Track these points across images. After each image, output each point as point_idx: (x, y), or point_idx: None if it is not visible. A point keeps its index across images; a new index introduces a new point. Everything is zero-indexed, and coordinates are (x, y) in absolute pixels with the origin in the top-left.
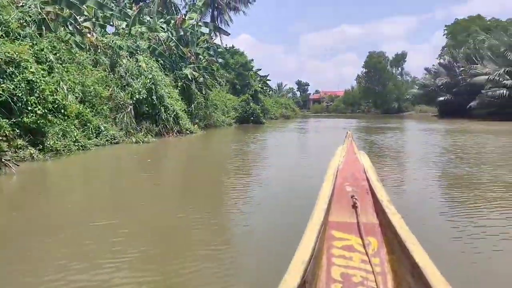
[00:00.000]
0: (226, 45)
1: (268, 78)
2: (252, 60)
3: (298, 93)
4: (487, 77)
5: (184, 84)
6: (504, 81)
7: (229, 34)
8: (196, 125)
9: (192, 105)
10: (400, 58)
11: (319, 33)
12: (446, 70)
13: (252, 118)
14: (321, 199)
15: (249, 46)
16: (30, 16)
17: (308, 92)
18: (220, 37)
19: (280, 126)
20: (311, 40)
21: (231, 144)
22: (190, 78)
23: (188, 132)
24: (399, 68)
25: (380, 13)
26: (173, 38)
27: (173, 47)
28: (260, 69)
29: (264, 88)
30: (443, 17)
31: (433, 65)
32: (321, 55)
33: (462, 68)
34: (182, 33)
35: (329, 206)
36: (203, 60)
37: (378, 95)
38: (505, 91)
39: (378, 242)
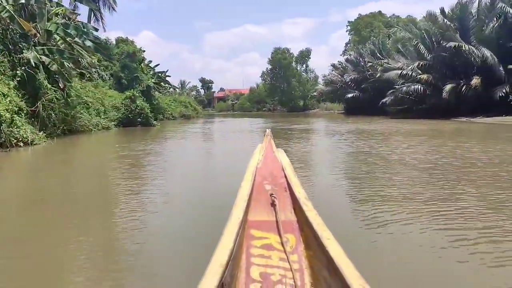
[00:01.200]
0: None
1: (167, 74)
2: (143, 50)
3: (202, 91)
4: (399, 71)
5: (25, 73)
6: (418, 76)
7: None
8: (42, 132)
9: (39, 103)
10: (305, 55)
11: (222, 32)
12: (353, 66)
13: (140, 119)
14: (240, 198)
15: (152, 44)
16: None
17: (212, 90)
18: (103, 23)
19: (173, 129)
20: (215, 39)
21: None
22: (35, 64)
23: (22, 144)
24: (304, 65)
25: (281, 15)
26: (6, 6)
27: (6, 18)
28: (158, 64)
29: (164, 84)
30: (339, 20)
31: (339, 61)
32: (225, 54)
33: (369, 64)
34: (23, 0)
35: (248, 205)
36: (59, 41)
37: (284, 92)
38: (420, 86)
39: (296, 239)
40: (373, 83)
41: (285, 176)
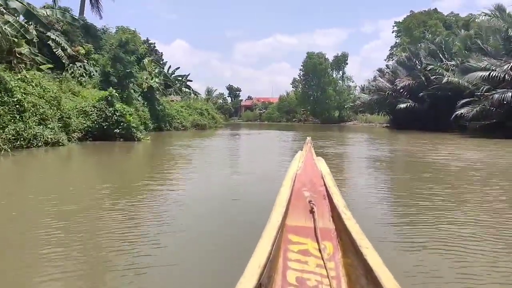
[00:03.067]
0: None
1: (189, 78)
2: (152, 43)
3: (229, 99)
4: (486, 73)
5: None
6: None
7: None
8: None
9: None
10: (341, 60)
11: (253, 41)
12: (407, 70)
13: (119, 130)
14: (278, 203)
15: (184, 53)
16: None
17: (240, 98)
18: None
19: (160, 150)
20: (245, 48)
21: None
22: None
23: None
24: (340, 72)
25: (312, 25)
26: None
27: None
28: (179, 68)
29: (184, 89)
30: (372, 30)
31: (386, 65)
32: (255, 64)
33: (430, 67)
34: None
35: (287, 210)
36: None
37: (317, 101)
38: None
39: (333, 247)
40: (433, 91)
41: (324, 184)
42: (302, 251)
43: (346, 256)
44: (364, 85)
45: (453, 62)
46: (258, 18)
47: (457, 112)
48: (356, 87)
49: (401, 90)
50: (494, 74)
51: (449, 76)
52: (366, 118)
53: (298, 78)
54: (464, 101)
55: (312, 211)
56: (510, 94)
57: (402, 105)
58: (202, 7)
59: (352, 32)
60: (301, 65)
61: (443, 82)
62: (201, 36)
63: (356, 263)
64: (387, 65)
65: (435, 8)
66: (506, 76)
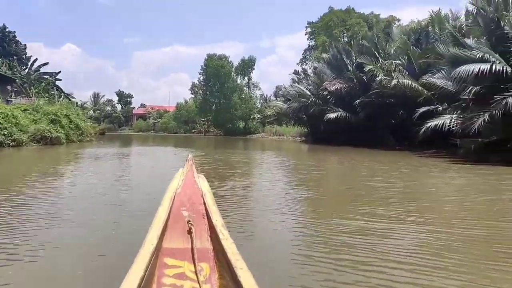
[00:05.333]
0: None
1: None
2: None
3: (119, 106)
4: (484, 65)
5: None
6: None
7: None
8: None
9: None
10: (247, 65)
11: (152, 50)
12: (336, 71)
13: None
14: (155, 224)
15: (75, 58)
16: None
17: (132, 105)
18: None
19: None
20: (144, 57)
21: None
22: None
23: None
24: (246, 78)
25: (211, 37)
26: None
27: None
28: (47, 63)
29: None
30: (268, 46)
31: (303, 68)
32: (153, 73)
33: (369, 67)
34: None
35: (164, 232)
36: None
37: (220, 110)
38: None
39: (210, 268)
40: (372, 98)
41: (204, 203)
42: (178, 275)
43: (222, 277)
44: (278, 91)
45: (398, 61)
46: (157, 28)
47: (430, 124)
48: (263, 95)
49: (329, 97)
50: (498, 69)
51: (398, 78)
52: (276, 130)
53: (198, 83)
54: (424, 109)
55: (190, 232)
56: None
57: (332, 115)
58: (98, 11)
59: (250, 47)
60: (201, 68)
61: (391, 85)
62: (96, 41)
63: (231, 284)
64: (303, 68)
65: (353, 8)
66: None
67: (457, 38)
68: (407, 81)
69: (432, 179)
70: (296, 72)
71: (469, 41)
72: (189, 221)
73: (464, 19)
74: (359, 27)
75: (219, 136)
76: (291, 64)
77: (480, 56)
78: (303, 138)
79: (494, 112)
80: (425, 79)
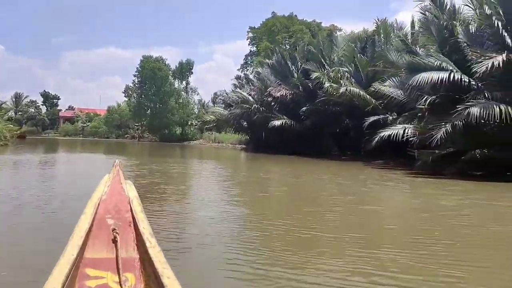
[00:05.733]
0: None
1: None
2: None
3: (44, 108)
4: (443, 75)
5: None
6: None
7: None
8: None
9: None
10: (185, 68)
11: (84, 51)
12: (281, 78)
13: None
14: (76, 234)
15: None
16: None
17: (58, 107)
18: None
19: None
20: (74, 58)
21: None
22: None
23: None
24: (184, 82)
25: (149, 42)
26: None
27: None
28: None
29: None
30: (206, 52)
31: (245, 73)
32: (84, 75)
33: (315, 75)
34: None
35: (86, 241)
36: None
37: (156, 115)
38: (496, 107)
39: (135, 278)
40: (318, 106)
41: (131, 210)
42: (100, 286)
43: (149, 287)
44: (216, 97)
45: (345, 69)
46: (89, 28)
47: (384, 134)
48: (202, 100)
49: (273, 104)
50: (457, 78)
51: (346, 86)
52: (215, 137)
53: (133, 85)
54: (374, 118)
55: (114, 241)
56: (490, 110)
57: (277, 122)
58: (24, 8)
59: (188, 52)
60: (136, 70)
61: (339, 92)
62: (20, 40)
63: None
64: (246, 74)
65: (295, 15)
66: (473, 81)
67: (409, 45)
68: (355, 89)
69: (416, 198)
70: (238, 77)
71: (419, 50)
72: (114, 229)
73: (409, 29)
74: (302, 34)
75: (154, 142)
76: (228, 71)
77: (438, 64)
78: (243, 146)
79: (455, 122)
80: (375, 88)
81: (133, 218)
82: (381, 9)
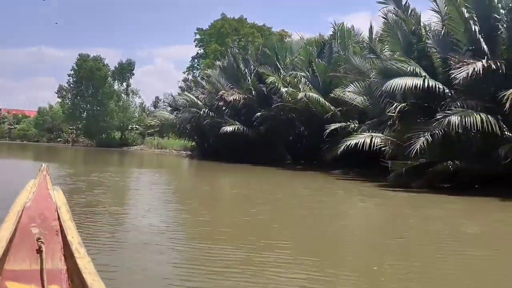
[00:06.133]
0: None
1: None
2: None
3: None
4: (417, 81)
5: None
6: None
7: None
8: None
9: None
10: (126, 69)
11: (11, 49)
12: (233, 82)
13: None
14: None
15: None
16: None
17: None
18: None
19: None
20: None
21: None
22: None
23: None
24: (124, 84)
25: (86, 43)
26: None
27: None
28: None
29: None
30: (146, 55)
31: (193, 76)
32: (11, 74)
33: (271, 79)
34: None
35: (7, 252)
36: None
37: (93, 118)
38: (474, 116)
39: None
40: (273, 112)
41: (59, 219)
42: None
43: None
44: (158, 101)
45: (303, 73)
46: (17, 26)
47: (350, 143)
48: (143, 103)
49: (224, 108)
50: (431, 84)
51: (305, 92)
52: (158, 143)
53: (67, 86)
54: (336, 126)
55: (39, 251)
56: (469, 118)
57: (229, 128)
58: None
59: (125, 54)
60: (72, 69)
61: (297, 98)
62: None
63: None
64: (194, 76)
65: (245, 18)
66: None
67: (374, 50)
68: (314, 95)
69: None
70: (186, 80)
71: (381, 55)
72: (39, 238)
73: (367, 34)
74: (253, 37)
75: (91, 147)
76: (168, 76)
77: (411, 70)
78: (188, 153)
79: (434, 131)
80: (336, 94)
81: (61, 226)
82: (319, 21)
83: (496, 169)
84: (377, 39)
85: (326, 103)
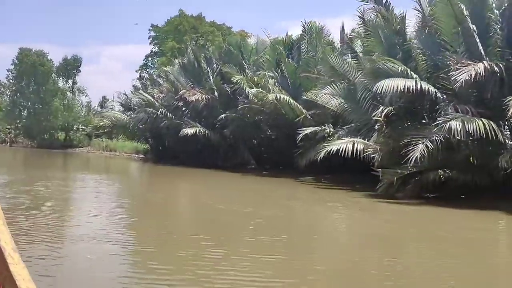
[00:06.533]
0: None
1: None
2: None
3: None
4: (409, 83)
5: None
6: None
7: None
8: None
9: None
10: (72, 65)
11: None
12: (195, 81)
13: None
14: None
15: None
16: None
17: None
18: None
19: None
20: None
21: None
22: None
23: None
24: (70, 81)
25: (28, 38)
26: None
27: None
28: None
29: None
30: (93, 54)
31: (149, 73)
32: None
33: (238, 78)
34: None
35: None
36: None
37: (35, 117)
38: (476, 123)
39: None
40: (242, 114)
41: None
42: None
43: None
44: (105, 101)
45: (271, 74)
46: None
47: (332, 149)
48: (90, 103)
49: (184, 109)
50: (424, 87)
51: (276, 93)
52: (106, 145)
53: (6, 82)
54: (310, 130)
55: None
56: (472, 124)
57: (190, 130)
58: None
59: (70, 52)
60: (12, 63)
61: (269, 99)
62: None
63: None
64: (150, 74)
65: (204, 16)
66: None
67: (354, 50)
68: (286, 97)
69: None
70: (141, 78)
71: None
72: None
73: (338, 34)
74: (213, 36)
75: (32, 148)
76: (115, 75)
77: (402, 70)
78: (141, 156)
79: (433, 138)
80: (309, 96)
81: None
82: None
83: (492, 179)
84: (353, 39)
85: (298, 105)
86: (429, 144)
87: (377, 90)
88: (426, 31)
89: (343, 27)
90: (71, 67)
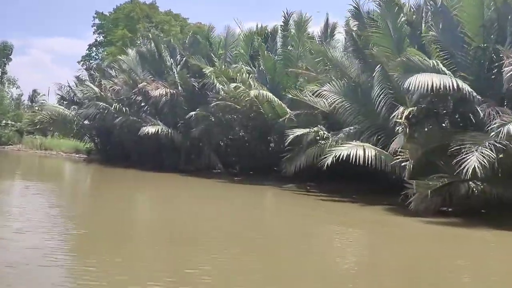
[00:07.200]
0: None
1: None
2: None
3: None
4: (447, 81)
5: None
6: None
7: None
8: None
9: None
10: (1, 52)
11: None
12: (153, 72)
13: None
14: None
15: None
16: None
17: None
18: None
19: None
20: None
21: None
22: None
23: None
24: None
25: None
26: None
27: None
28: None
29: None
30: (19, 46)
31: (96, 64)
32: None
33: (209, 69)
34: None
35: None
36: None
37: None
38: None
39: None
40: (212, 112)
41: None
42: None
43: None
44: (37, 95)
45: (248, 68)
46: None
47: (342, 154)
48: (22, 95)
49: (143, 105)
50: (461, 86)
51: (258, 89)
52: (41, 143)
53: None
54: (301, 132)
55: None
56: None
57: (151, 129)
58: None
59: None
60: None
61: (251, 96)
62: None
63: None
64: (98, 64)
65: (158, 5)
66: (474, 93)
67: (357, 42)
68: (269, 94)
69: None
70: (89, 68)
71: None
72: None
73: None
74: (170, 26)
75: None
76: (45, 68)
77: (434, 65)
78: (84, 156)
79: (488, 143)
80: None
81: None
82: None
83: None
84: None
85: (282, 104)
86: (490, 153)
87: (408, 86)
88: (441, 24)
89: (327, 19)
90: (0, 55)
